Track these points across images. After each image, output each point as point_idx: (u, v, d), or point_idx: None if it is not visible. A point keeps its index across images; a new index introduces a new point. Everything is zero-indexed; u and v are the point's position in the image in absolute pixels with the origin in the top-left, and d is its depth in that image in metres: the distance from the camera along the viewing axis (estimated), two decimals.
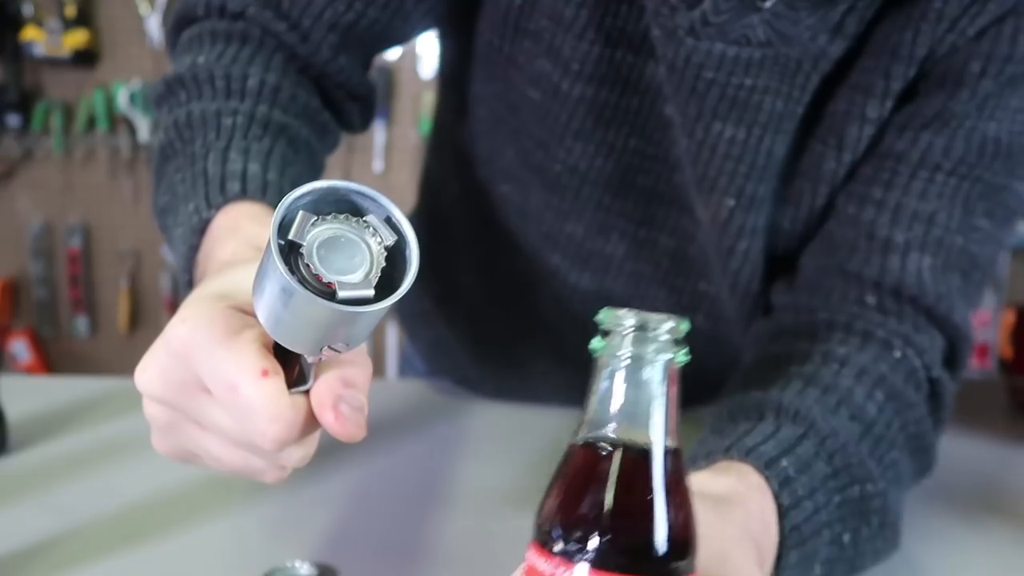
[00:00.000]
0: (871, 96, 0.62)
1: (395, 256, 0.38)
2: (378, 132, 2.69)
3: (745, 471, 0.50)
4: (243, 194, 0.55)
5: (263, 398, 0.40)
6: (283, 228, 0.37)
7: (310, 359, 0.42)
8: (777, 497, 0.49)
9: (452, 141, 0.83)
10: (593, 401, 0.34)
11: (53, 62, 2.68)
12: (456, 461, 0.75)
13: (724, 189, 0.66)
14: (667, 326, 0.33)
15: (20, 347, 2.79)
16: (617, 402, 0.33)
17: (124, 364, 2.84)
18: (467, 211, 0.83)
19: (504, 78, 0.71)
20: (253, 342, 0.41)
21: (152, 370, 0.43)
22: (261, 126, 0.61)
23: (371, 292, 0.37)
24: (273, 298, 0.38)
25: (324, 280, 0.37)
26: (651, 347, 0.33)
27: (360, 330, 0.39)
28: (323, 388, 0.41)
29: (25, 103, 2.71)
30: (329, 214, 0.38)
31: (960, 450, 0.79)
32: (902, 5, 0.61)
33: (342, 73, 0.68)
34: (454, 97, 0.80)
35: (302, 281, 0.36)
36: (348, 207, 0.38)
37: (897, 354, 0.60)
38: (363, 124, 0.76)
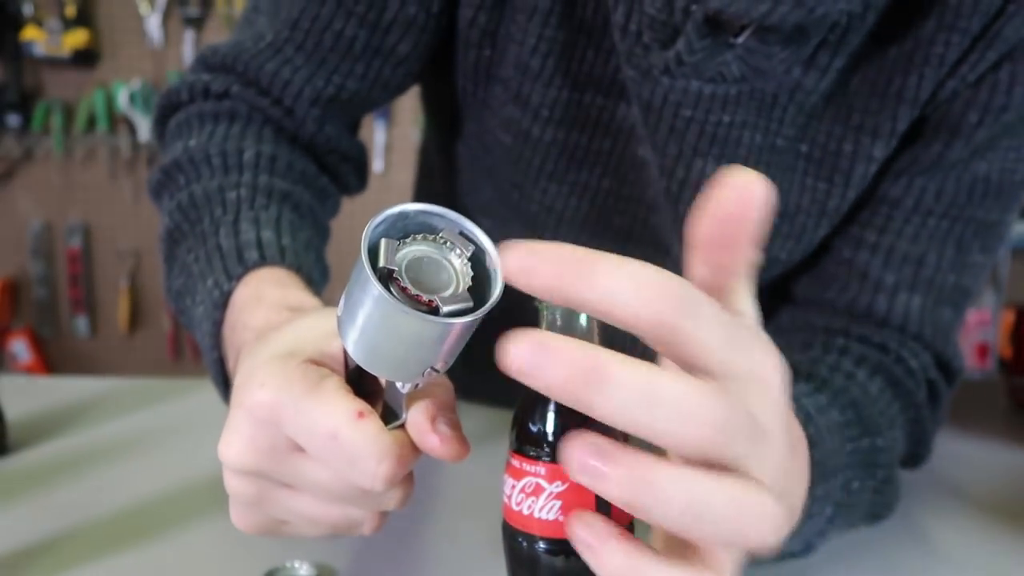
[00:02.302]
0: (878, 137, 0.63)
1: (476, 266, 0.39)
2: (378, 132, 2.69)
3: None
4: (262, 261, 0.55)
5: (366, 439, 0.39)
6: (370, 258, 0.37)
7: (406, 388, 0.42)
8: (804, 427, 0.50)
9: (439, 168, 0.83)
10: None
11: (53, 62, 2.68)
12: (454, 463, 0.75)
13: None
14: None
15: (20, 347, 2.79)
16: None
17: (124, 364, 2.85)
18: None
19: (478, 120, 0.72)
20: (339, 389, 0.41)
21: (238, 443, 0.41)
22: (265, 195, 0.61)
23: (471, 302, 0.38)
24: (373, 328, 0.38)
25: (424, 300, 0.37)
26: None
27: (458, 345, 0.40)
28: (418, 416, 0.41)
29: (25, 103, 2.71)
30: (406, 236, 0.38)
31: (960, 450, 0.79)
32: (895, 44, 0.61)
33: (330, 141, 0.70)
34: (434, 129, 0.81)
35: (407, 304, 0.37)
36: (420, 228, 0.39)
37: (893, 355, 0.63)
38: (359, 184, 0.77)
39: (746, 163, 0.64)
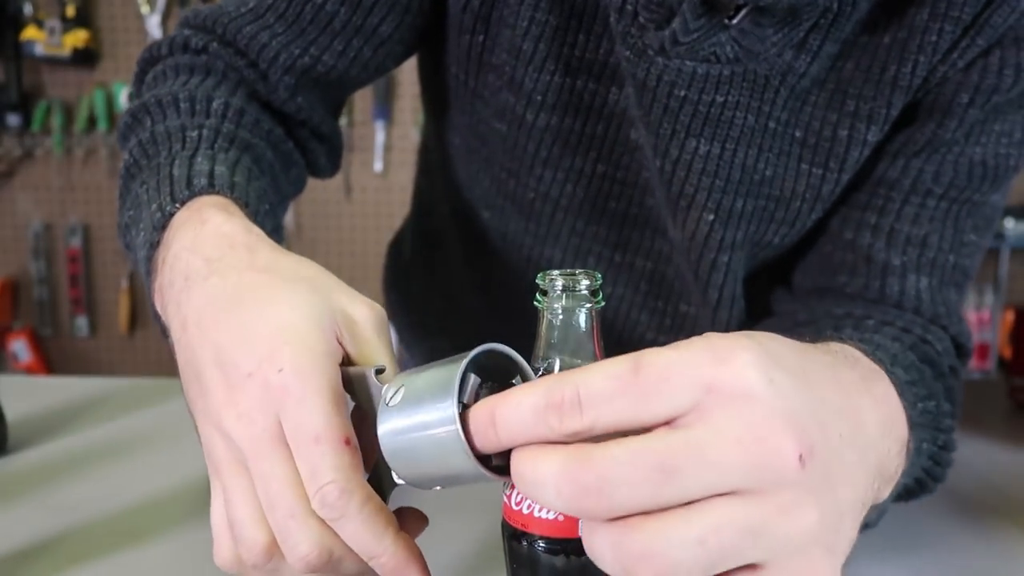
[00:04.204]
0: (873, 123, 0.64)
1: None
2: (378, 132, 2.69)
3: (855, 352, 0.47)
4: (211, 188, 0.54)
5: (336, 459, 0.40)
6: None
7: (400, 481, 0.42)
8: (890, 374, 0.47)
9: (438, 163, 0.84)
10: (540, 341, 0.44)
11: (53, 62, 2.68)
12: None
13: (702, 204, 0.67)
14: (586, 283, 0.43)
15: (20, 347, 2.80)
16: (557, 340, 0.44)
17: (124, 364, 2.85)
18: (459, 232, 0.84)
19: (472, 111, 0.72)
20: (341, 404, 0.41)
21: (240, 408, 0.41)
22: (227, 140, 0.61)
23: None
24: (422, 444, 0.39)
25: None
26: (576, 300, 0.43)
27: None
28: (396, 551, 0.42)
29: (25, 103, 2.71)
30: (489, 374, 0.40)
31: (960, 450, 0.79)
32: (889, 32, 0.62)
33: (302, 112, 0.69)
34: (432, 123, 0.81)
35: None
36: (499, 363, 0.41)
37: (919, 337, 0.62)
38: (330, 167, 0.76)
39: (739, 144, 0.65)
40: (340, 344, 0.44)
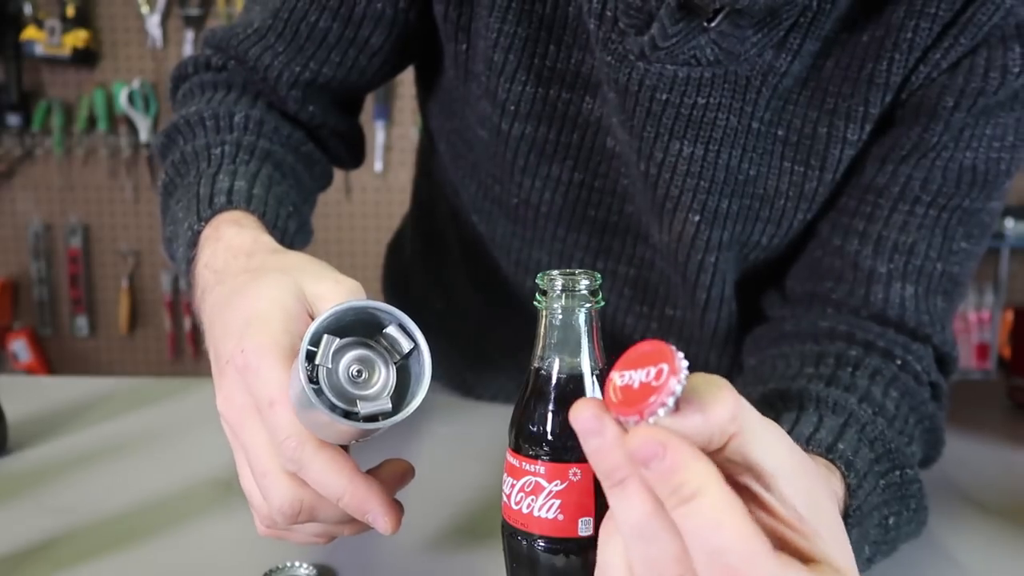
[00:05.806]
0: (851, 121, 0.64)
1: (410, 364, 0.46)
2: (378, 132, 2.69)
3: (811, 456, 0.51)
4: (229, 204, 0.61)
5: (288, 421, 0.45)
6: (311, 343, 0.43)
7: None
8: (845, 478, 0.51)
9: (435, 165, 0.85)
10: (539, 341, 0.45)
11: (53, 62, 2.68)
12: (454, 462, 0.75)
13: (688, 206, 0.67)
14: (585, 283, 0.44)
15: (20, 347, 2.80)
16: (556, 340, 0.45)
17: (124, 364, 2.85)
18: (457, 232, 0.85)
19: (461, 115, 0.74)
20: (297, 372, 0.45)
21: (222, 392, 0.48)
22: (248, 152, 0.67)
23: (389, 405, 0.44)
24: (301, 406, 0.44)
25: (347, 396, 0.44)
26: (576, 300, 0.44)
27: (375, 435, 0.45)
28: (361, 487, 0.46)
29: (25, 103, 2.71)
30: (350, 332, 0.44)
31: (960, 450, 0.79)
32: (867, 30, 0.62)
33: (315, 119, 0.74)
34: (426, 126, 0.83)
35: (328, 401, 0.43)
36: (368, 318, 0.45)
37: (899, 361, 0.63)
38: (353, 160, 0.81)
39: (722, 145, 0.65)
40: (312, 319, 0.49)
